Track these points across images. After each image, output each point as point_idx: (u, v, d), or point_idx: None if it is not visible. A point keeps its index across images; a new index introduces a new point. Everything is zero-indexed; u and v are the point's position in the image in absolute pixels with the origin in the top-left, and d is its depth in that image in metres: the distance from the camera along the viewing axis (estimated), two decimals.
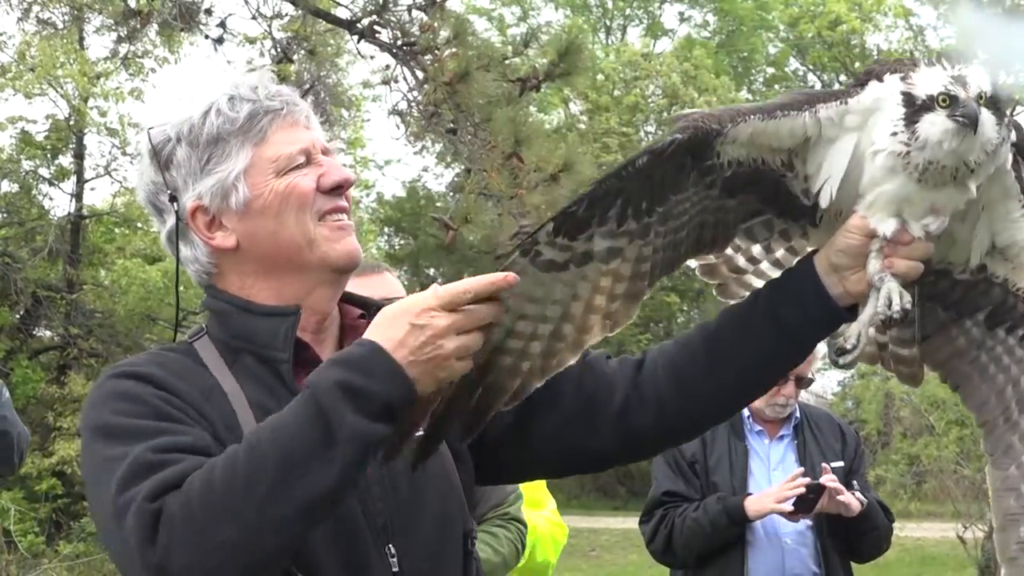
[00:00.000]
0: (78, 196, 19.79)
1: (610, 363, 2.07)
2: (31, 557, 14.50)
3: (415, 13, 7.57)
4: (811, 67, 34.20)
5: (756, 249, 2.16)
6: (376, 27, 7.51)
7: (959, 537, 12.04)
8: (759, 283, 2.14)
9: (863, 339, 1.97)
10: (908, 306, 1.90)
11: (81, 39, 18.18)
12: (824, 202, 1.96)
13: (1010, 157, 1.93)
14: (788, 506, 4.30)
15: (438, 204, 26.05)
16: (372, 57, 8.10)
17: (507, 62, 7.55)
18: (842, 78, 33.63)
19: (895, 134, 1.85)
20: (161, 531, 1.65)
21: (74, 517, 16.22)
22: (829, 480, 4.31)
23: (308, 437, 1.67)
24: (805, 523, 4.49)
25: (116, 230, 20.22)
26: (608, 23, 34.58)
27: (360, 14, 7.69)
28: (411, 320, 1.74)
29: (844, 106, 1.91)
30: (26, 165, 19.41)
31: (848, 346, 1.97)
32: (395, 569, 1.89)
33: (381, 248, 29.85)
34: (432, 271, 25.85)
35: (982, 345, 2.05)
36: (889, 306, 1.90)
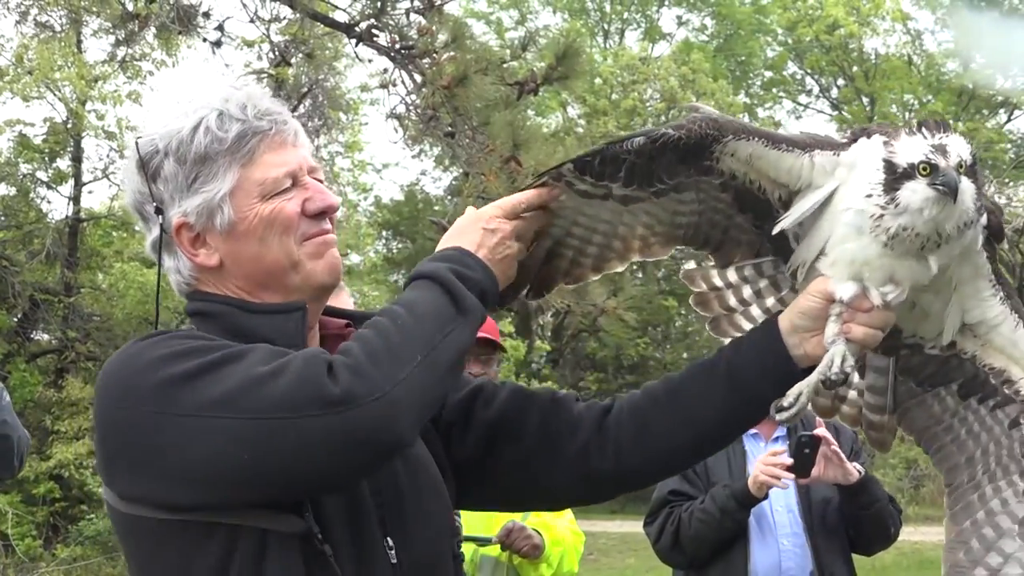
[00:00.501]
0: (76, 199, 19.83)
1: (578, 405, 2.16)
2: (28, 561, 14.50)
3: (413, 17, 7.58)
4: (809, 71, 34.25)
5: (747, 292, 2.24)
6: (374, 31, 7.50)
7: None
8: (748, 325, 2.21)
9: (804, 399, 2.00)
10: (848, 370, 1.95)
11: (79, 42, 18.21)
12: (776, 228, 2.03)
13: (981, 238, 1.97)
14: (785, 459, 4.32)
15: (436, 207, 26.08)
16: (370, 60, 8.12)
17: (505, 65, 7.55)
18: (840, 82, 33.70)
19: (870, 196, 1.90)
20: (340, 371, 1.72)
21: (72, 521, 16.21)
22: (822, 431, 4.34)
23: (445, 306, 1.86)
24: (799, 524, 4.50)
25: (114, 233, 20.22)
26: (606, 27, 34.62)
27: (358, 18, 7.69)
28: (483, 226, 1.99)
29: (836, 158, 1.97)
30: (24, 168, 19.44)
31: (786, 403, 2.00)
32: (393, 561, 1.92)
33: (379, 251, 29.86)
34: None
35: (956, 413, 2.10)
36: (830, 367, 1.95)
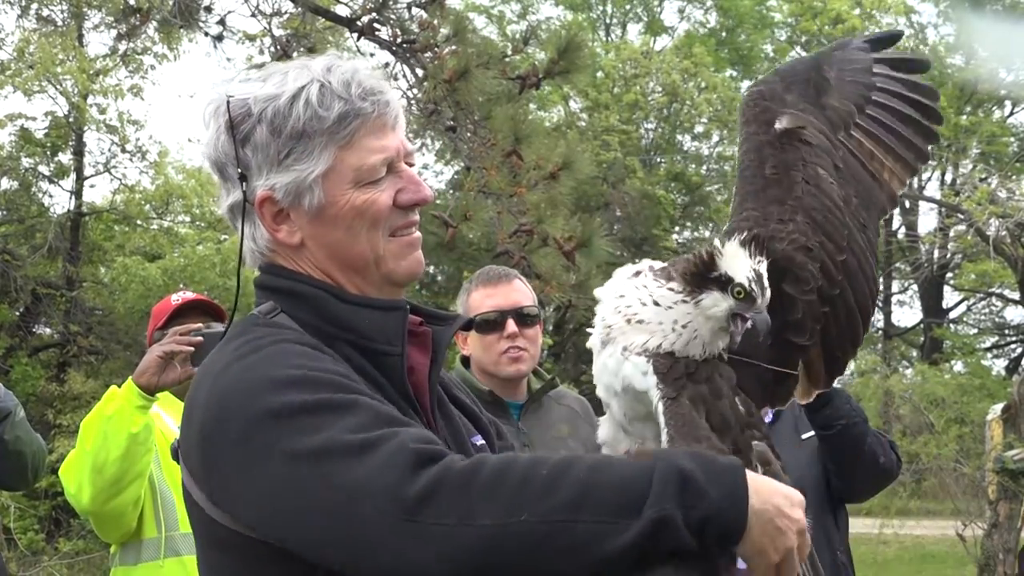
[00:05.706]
0: (78, 193, 19.81)
1: None
2: (31, 554, 14.52)
3: (415, 10, 7.57)
4: None
5: None
6: (376, 24, 7.50)
7: (958, 535, 12.01)
8: None
9: None
10: None
11: (80, 36, 18.20)
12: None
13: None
14: None
15: (438, 201, 26.02)
16: (372, 55, 8.09)
17: (507, 59, 7.54)
18: None
19: None
20: (423, 474, 1.54)
21: (74, 514, 16.21)
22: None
23: (620, 492, 1.53)
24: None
25: (116, 227, 20.23)
26: (608, 20, 34.56)
27: (359, 11, 7.69)
28: (788, 505, 1.64)
29: None
30: (26, 162, 19.43)
31: None
32: None
33: None
34: (432, 268, 25.82)
35: None
36: None
